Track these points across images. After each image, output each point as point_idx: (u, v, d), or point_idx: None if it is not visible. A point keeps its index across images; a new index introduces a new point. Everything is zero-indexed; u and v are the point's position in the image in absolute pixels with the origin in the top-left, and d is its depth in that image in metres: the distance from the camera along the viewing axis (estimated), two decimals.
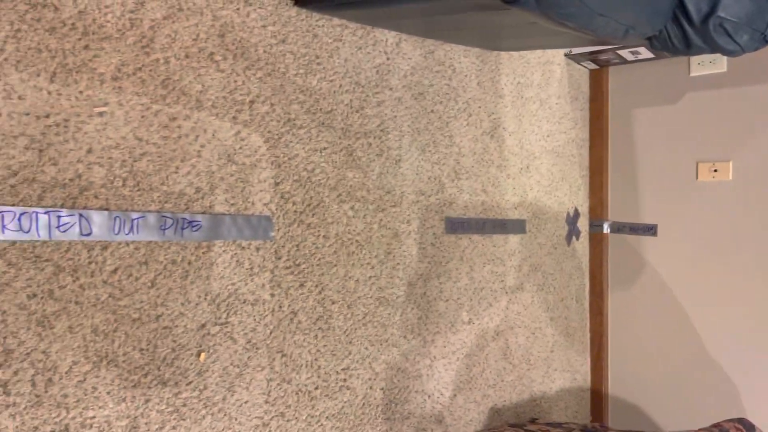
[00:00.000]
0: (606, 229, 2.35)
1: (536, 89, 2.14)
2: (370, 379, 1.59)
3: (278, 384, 1.39)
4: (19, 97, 1.01)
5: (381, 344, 1.62)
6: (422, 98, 1.74)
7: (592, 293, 2.39)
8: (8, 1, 0.99)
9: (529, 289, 2.10)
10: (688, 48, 1.44)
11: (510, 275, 2.03)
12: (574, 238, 2.32)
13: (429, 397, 1.75)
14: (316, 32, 1.47)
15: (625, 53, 2.16)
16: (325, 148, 1.49)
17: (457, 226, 1.84)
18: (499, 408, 1.99)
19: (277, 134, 1.40)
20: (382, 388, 1.62)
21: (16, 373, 1.01)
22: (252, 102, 1.35)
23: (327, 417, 1.49)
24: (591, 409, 2.40)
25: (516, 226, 2.04)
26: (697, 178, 2.12)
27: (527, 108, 2.10)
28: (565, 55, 2.26)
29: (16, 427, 1.01)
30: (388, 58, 1.64)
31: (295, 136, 1.43)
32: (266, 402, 1.37)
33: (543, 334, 2.17)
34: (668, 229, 2.19)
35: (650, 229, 2.22)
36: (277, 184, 1.40)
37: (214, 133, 1.28)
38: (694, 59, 2.12)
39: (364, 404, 1.58)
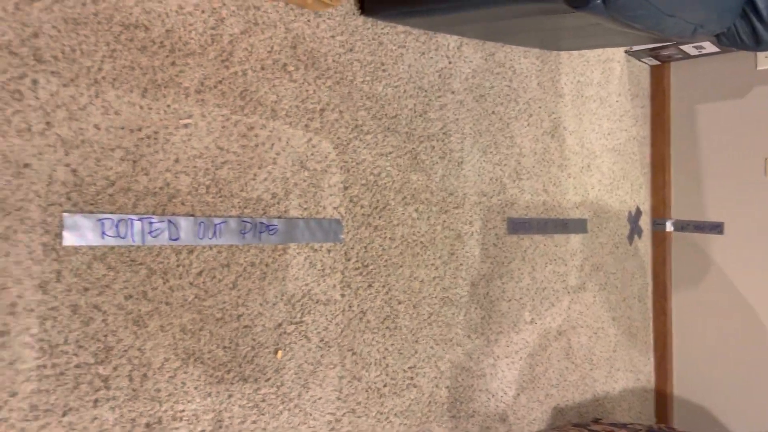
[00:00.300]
0: (669, 227, 2.32)
1: (596, 87, 2.13)
2: (435, 377, 1.63)
3: (349, 381, 1.44)
4: (116, 113, 1.09)
5: (446, 343, 1.65)
6: (483, 100, 1.76)
7: (655, 293, 2.36)
8: (105, 24, 1.07)
9: (591, 289, 2.10)
10: (757, 44, 1.42)
11: (572, 275, 2.03)
12: (636, 236, 2.30)
13: (493, 396, 1.77)
14: (381, 40, 1.51)
15: (688, 48, 2.12)
16: (390, 152, 1.53)
17: (518, 226, 1.85)
18: (562, 407, 1.99)
19: (346, 140, 1.45)
20: (447, 387, 1.66)
21: (115, 368, 1.08)
22: (322, 110, 1.40)
23: (395, 414, 1.54)
24: (655, 410, 2.37)
25: (577, 226, 2.04)
26: (766, 174, 2.07)
27: (587, 107, 2.09)
28: (626, 52, 2.24)
29: (116, 419, 1.08)
30: (450, 62, 1.67)
31: (362, 142, 1.48)
32: (338, 398, 1.42)
33: (605, 334, 2.16)
34: (735, 227, 2.14)
35: (716, 227, 2.18)
36: (346, 188, 1.45)
37: (287, 140, 1.34)
38: (762, 52, 2.07)
39: (430, 402, 1.61)
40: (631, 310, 2.27)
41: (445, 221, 1.65)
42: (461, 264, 1.69)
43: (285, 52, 1.33)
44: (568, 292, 2.01)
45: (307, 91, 1.37)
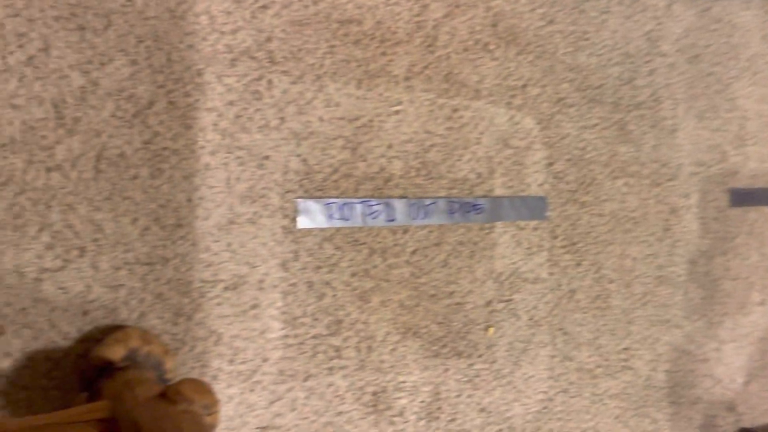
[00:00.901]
0: None
1: None
2: (652, 360, 1.54)
3: (560, 361, 1.42)
4: (336, 104, 1.17)
5: (662, 325, 1.55)
6: (698, 61, 1.61)
7: None
8: (324, 22, 1.16)
9: None
10: None
11: None
12: None
13: (718, 382, 1.63)
14: (582, 8, 1.45)
15: None
16: (596, 125, 1.47)
17: (743, 197, 1.67)
18: None
19: (549, 115, 1.41)
20: (666, 371, 1.56)
21: (345, 340, 1.18)
22: (524, 86, 1.38)
23: (610, 396, 1.48)
24: None
25: None
26: None
27: None
28: None
29: (347, 386, 1.18)
30: (658, 23, 1.55)
31: (566, 115, 1.44)
32: (550, 378, 1.41)
33: None
34: None
35: None
36: (550, 164, 1.42)
37: (491, 119, 1.34)
38: None
39: (647, 386, 1.53)
40: None
41: (658, 195, 1.55)
42: (677, 240, 1.58)
43: (486, 31, 1.33)
44: None
45: (508, 68, 1.36)
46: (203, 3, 1.05)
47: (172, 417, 0.74)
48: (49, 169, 0.94)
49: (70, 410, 0.78)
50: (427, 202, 1.27)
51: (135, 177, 1.00)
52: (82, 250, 0.96)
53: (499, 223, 1.36)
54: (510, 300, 1.36)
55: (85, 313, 0.97)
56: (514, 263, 1.37)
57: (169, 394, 0.77)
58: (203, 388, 0.78)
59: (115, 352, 0.92)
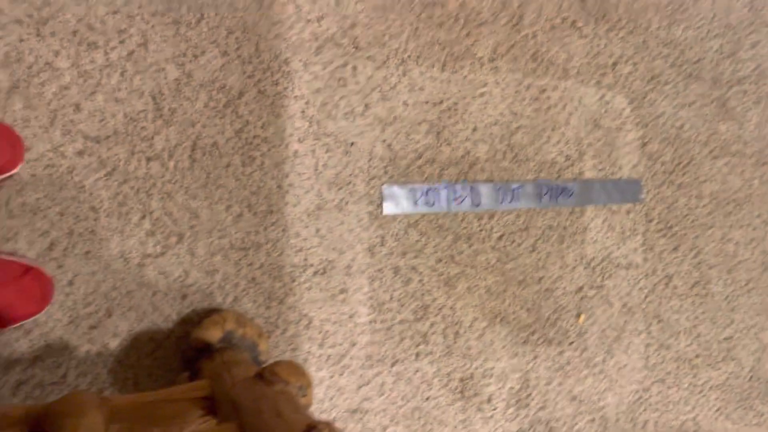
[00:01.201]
0: None
1: None
2: (757, 350, 1.45)
3: (656, 349, 1.36)
4: (420, 89, 1.16)
5: None
6: None
7: None
8: (407, 5, 1.15)
9: None
10: None
11: None
12: None
13: None
14: None
15: None
16: (693, 102, 1.39)
17: None
18: None
19: (642, 93, 1.35)
20: None
21: (432, 326, 1.18)
22: (615, 63, 1.32)
23: (711, 387, 1.40)
24: None
25: None
26: None
27: None
28: None
29: (434, 372, 1.18)
30: None
31: (661, 93, 1.36)
32: (645, 367, 1.35)
33: None
34: None
35: None
36: (644, 144, 1.35)
37: (579, 99, 1.29)
38: None
39: (751, 377, 1.44)
40: None
41: (763, 175, 1.45)
42: None
43: (574, 8, 1.28)
44: None
45: (598, 45, 1.31)
46: None
47: (270, 397, 0.76)
48: (149, 159, 0.99)
49: (174, 388, 0.81)
50: (514, 186, 1.24)
51: (228, 165, 1.03)
52: (180, 237, 1.01)
53: (589, 207, 1.31)
54: (602, 286, 1.32)
55: (184, 296, 1.01)
56: (606, 248, 1.32)
57: (266, 374, 0.79)
58: (298, 370, 0.80)
59: (213, 334, 0.95)
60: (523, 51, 1.24)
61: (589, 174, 1.31)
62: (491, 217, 1.23)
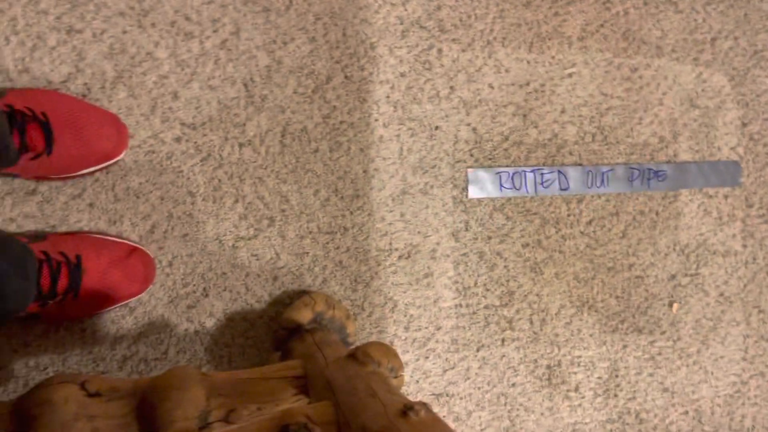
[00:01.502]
0: None
1: None
2: None
3: (755, 341, 1.29)
4: (506, 70, 1.14)
5: None
6: None
7: None
8: None
9: None
10: None
11: None
12: None
13: None
14: None
15: None
16: None
17: None
18: None
19: (743, 70, 1.27)
20: None
21: (517, 311, 1.16)
22: (714, 39, 1.25)
23: None
24: None
25: None
26: None
27: None
28: None
29: (520, 358, 1.16)
30: None
31: (764, 70, 1.28)
32: (743, 359, 1.28)
33: None
34: None
35: None
36: (744, 124, 1.28)
37: (674, 78, 1.23)
38: None
39: None
40: None
41: None
42: None
43: None
44: None
45: (695, 20, 1.24)
46: None
47: (363, 377, 0.77)
48: (241, 145, 1.02)
49: (267, 367, 0.84)
50: (604, 169, 1.20)
51: (316, 150, 1.05)
52: (271, 220, 1.03)
53: (684, 191, 1.25)
54: (697, 274, 1.26)
55: (275, 278, 1.04)
56: (701, 234, 1.26)
57: (358, 355, 0.80)
58: (390, 351, 0.81)
59: (303, 315, 0.97)
60: (613, 29, 1.19)
61: (684, 156, 1.25)
62: (580, 201, 1.19)
